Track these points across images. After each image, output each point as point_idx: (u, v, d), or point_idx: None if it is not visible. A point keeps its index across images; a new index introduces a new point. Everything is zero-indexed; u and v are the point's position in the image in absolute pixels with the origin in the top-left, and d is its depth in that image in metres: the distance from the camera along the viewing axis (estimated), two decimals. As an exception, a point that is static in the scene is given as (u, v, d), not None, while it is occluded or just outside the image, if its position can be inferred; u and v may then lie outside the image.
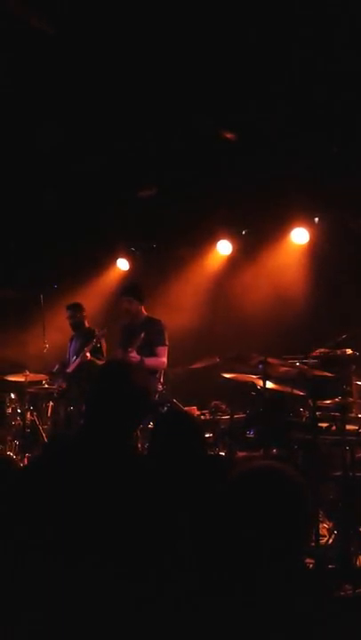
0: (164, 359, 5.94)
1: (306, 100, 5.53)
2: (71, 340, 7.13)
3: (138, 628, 1.56)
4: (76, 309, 7.03)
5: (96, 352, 6.63)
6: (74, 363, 6.72)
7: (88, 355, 6.52)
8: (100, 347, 6.71)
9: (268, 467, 1.58)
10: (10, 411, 6.98)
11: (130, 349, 5.69)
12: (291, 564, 1.47)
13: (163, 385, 5.94)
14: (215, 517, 1.63)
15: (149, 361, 5.76)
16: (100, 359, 6.62)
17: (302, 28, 4.68)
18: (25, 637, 1.58)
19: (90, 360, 6.53)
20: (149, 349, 5.83)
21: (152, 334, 5.84)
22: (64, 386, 6.80)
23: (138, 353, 5.69)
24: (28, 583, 1.64)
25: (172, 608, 1.52)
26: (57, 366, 7.06)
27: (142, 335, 5.73)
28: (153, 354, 5.85)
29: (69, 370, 6.75)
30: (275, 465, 1.59)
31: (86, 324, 7.04)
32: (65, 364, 6.96)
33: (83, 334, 6.89)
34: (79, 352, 6.68)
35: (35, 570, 1.65)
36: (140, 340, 5.72)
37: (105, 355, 6.71)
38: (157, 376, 5.96)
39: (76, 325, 7.02)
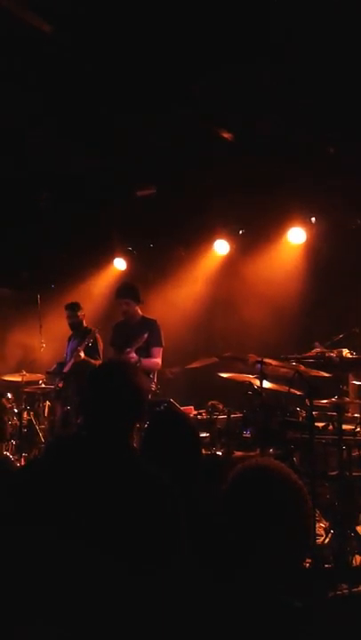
0: (159, 360, 5.95)
1: (303, 100, 5.53)
2: (69, 339, 7.12)
3: (138, 627, 1.57)
4: (74, 309, 7.02)
5: (92, 352, 6.63)
6: (69, 362, 6.74)
7: (82, 354, 6.52)
8: (97, 346, 6.70)
9: (266, 466, 1.57)
10: (6, 410, 6.98)
11: (129, 349, 5.69)
12: (291, 563, 1.47)
13: (156, 385, 5.95)
14: (215, 517, 1.63)
15: (146, 361, 5.77)
16: (96, 359, 6.62)
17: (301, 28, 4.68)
18: (25, 637, 1.59)
19: (84, 360, 6.53)
20: (146, 350, 5.84)
21: (149, 335, 5.85)
22: (61, 385, 6.80)
23: (135, 353, 5.70)
24: (30, 582, 1.65)
25: (169, 607, 1.52)
26: (54, 366, 7.06)
27: (145, 336, 5.73)
28: (149, 354, 5.86)
29: (65, 369, 6.76)
30: (272, 464, 1.58)
31: (84, 324, 7.04)
32: (62, 364, 6.95)
33: (80, 334, 6.89)
34: (75, 352, 6.69)
35: (36, 569, 1.65)
36: (142, 341, 5.71)
37: (101, 354, 6.71)
38: (151, 376, 5.96)
39: (75, 325, 7.01)
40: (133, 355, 5.66)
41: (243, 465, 1.56)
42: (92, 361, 6.56)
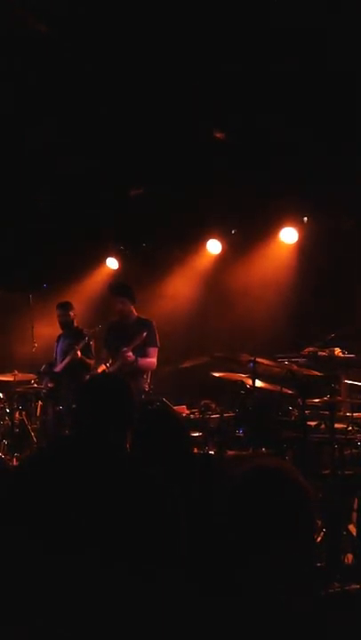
0: (155, 360, 5.97)
1: (296, 100, 5.54)
2: (58, 339, 7.10)
3: (135, 629, 1.57)
4: (66, 308, 7.00)
5: (85, 351, 6.63)
6: (63, 362, 6.71)
7: (79, 353, 6.52)
8: (90, 345, 6.71)
9: (276, 468, 1.56)
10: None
11: (126, 349, 5.68)
12: (295, 564, 1.46)
13: (150, 385, 5.95)
14: (216, 516, 1.63)
15: (142, 361, 5.79)
16: (89, 358, 6.63)
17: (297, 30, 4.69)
18: (23, 637, 1.59)
19: (80, 358, 6.53)
20: (142, 349, 5.85)
21: (146, 334, 5.85)
22: (51, 385, 6.79)
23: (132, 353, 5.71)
24: (29, 582, 1.65)
25: (169, 608, 1.53)
26: (44, 366, 7.04)
27: (144, 335, 5.73)
28: (145, 354, 5.87)
29: (58, 369, 6.74)
30: (283, 465, 1.58)
31: (75, 324, 7.03)
32: (52, 364, 6.95)
33: (71, 334, 6.88)
34: (67, 351, 6.66)
35: (31, 569, 1.65)
36: (140, 340, 5.72)
37: (94, 354, 6.71)
38: (145, 376, 5.97)
39: (66, 324, 6.99)
40: (130, 354, 5.67)
41: (252, 464, 1.55)
42: (87, 360, 6.58)
